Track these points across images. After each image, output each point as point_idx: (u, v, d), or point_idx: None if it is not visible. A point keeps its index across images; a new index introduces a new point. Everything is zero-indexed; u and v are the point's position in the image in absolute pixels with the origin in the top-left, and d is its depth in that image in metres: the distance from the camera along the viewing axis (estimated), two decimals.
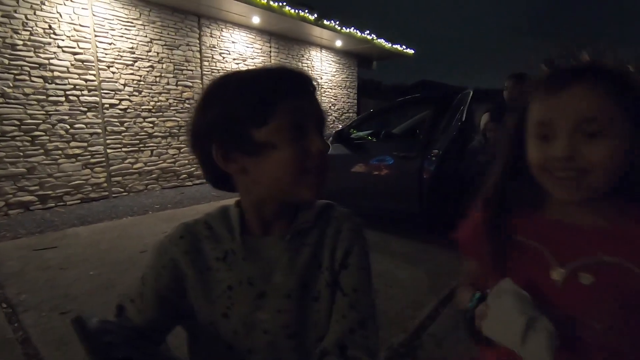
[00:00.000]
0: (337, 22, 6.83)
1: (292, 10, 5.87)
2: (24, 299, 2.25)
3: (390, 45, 8.45)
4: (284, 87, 0.51)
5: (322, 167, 0.53)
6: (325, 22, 6.54)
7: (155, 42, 5.28)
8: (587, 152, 0.50)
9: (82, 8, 4.51)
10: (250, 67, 0.70)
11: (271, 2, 5.51)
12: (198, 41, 5.81)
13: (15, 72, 4.07)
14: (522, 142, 0.58)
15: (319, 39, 7.56)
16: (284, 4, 5.70)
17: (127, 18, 4.94)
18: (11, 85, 4.06)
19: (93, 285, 2.47)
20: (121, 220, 4.02)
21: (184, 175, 5.90)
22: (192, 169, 5.93)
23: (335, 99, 8.91)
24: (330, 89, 8.69)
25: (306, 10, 6.08)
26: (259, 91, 0.50)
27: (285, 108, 0.50)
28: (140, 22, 5.08)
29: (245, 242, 0.56)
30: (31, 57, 4.17)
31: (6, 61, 4.00)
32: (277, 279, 0.55)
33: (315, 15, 6.29)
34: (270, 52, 7.02)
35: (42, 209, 4.40)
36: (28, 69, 4.16)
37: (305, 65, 7.87)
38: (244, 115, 0.50)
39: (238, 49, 6.42)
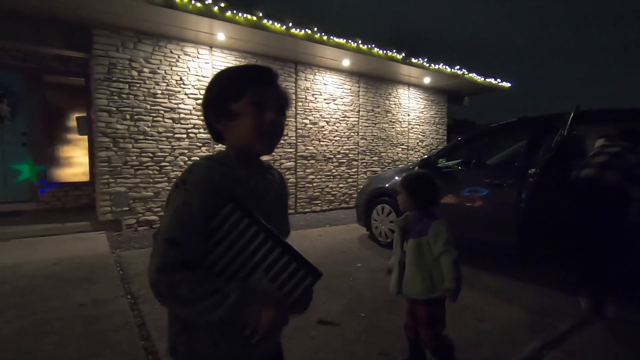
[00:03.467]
0: (425, 60, 6.92)
1: (381, 51, 6.18)
2: (143, 293, 2.66)
3: (483, 79, 8.15)
4: (252, 77, 0.79)
5: (274, 132, 0.80)
6: (412, 60, 6.69)
7: None
8: None
9: (205, 62, 5.49)
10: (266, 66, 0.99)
11: (360, 45, 5.90)
12: (294, 84, 6.48)
13: (153, 114, 5.08)
14: None
15: (406, 77, 7.72)
16: (373, 45, 6.05)
17: None
18: (150, 125, 5.05)
19: None
20: None
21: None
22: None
23: (424, 135, 8.79)
24: (418, 125, 8.64)
25: (394, 51, 6.33)
26: (236, 79, 0.80)
27: (251, 90, 0.77)
28: None
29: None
30: (166, 102, 5.17)
31: (148, 106, 5.03)
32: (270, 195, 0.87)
33: (403, 55, 6.50)
34: (359, 91, 7.40)
35: None
36: (163, 112, 5.15)
37: (393, 102, 8.04)
38: (227, 94, 0.79)
39: (329, 90, 6.93)
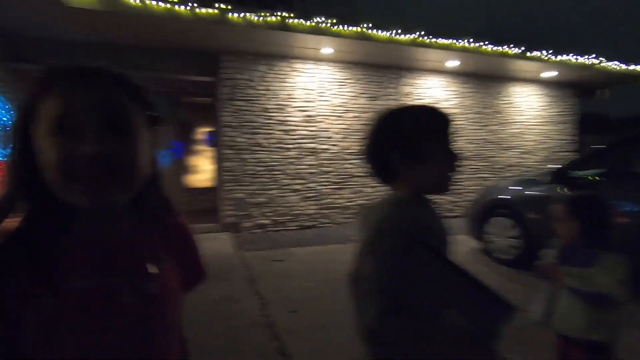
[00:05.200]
0: (551, 52, 6.11)
1: (489, 48, 5.69)
2: (269, 295, 2.94)
3: (621, 66, 6.83)
4: (437, 120, 0.85)
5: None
6: (528, 54, 5.98)
7: (361, 95, 6.15)
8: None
9: (311, 76, 5.80)
10: (443, 109, 0.87)
11: (467, 44, 5.53)
12: (395, 90, 6.39)
13: (267, 128, 5.58)
14: None
15: (520, 72, 6.93)
16: (482, 44, 5.61)
17: (341, 78, 6.00)
18: (264, 137, 5.56)
19: (308, 295, 2.97)
20: (327, 246, 4.68)
21: None
22: None
23: (545, 136, 7.76)
24: (537, 125, 7.66)
25: (506, 46, 5.76)
26: (425, 122, 0.84)
27: (439, 133, 0.84)
28: (351, 81, 6.06)
29: None
30: (277, 116, 5.63)
31: (263, 120, 5.55)
32: None
33: (517, 50, 5.86)
34: (464, 92, 6.92)
35: (273, 231, 5.64)
36: (274, 124, 5.62)
37: (504, 102, 7.30)
38: (417, 135, 0.82)
39: (431, 93, 6.64)
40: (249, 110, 5.47)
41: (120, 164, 0.49)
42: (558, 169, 3.35)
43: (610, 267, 1.27)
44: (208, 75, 5.44)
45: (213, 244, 4.73)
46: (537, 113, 7.67)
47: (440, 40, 5.37)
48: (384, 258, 0.73)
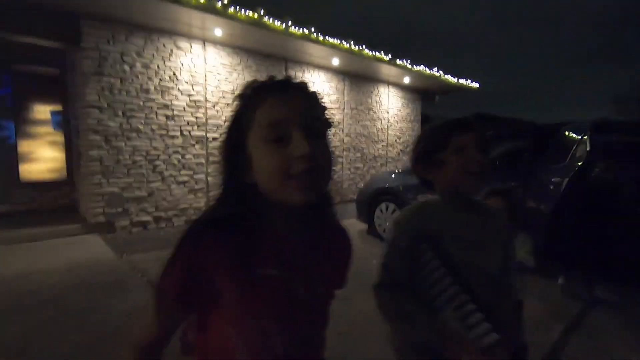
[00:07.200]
0: (408, 62, 7.23)
1: (370, 52, 6.38)
2: None
3: (456, 80, 8.68)
4: (453, 127, 0.91)
5: (479, 171, 0.87)
6: (397, 61, 6.97)
7: None
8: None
9: (198, 57, 5.32)
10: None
11: (352, 46, 6.05)
12: None
13: (146, 111, 4.86)
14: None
15: (387, 76, 8.00)
16: (363, 47, 6.22)
17: (231, 64, 5.70)
18: (143, 122, 4.84)
19: None
20: None
21: None
22: None
23: (401, 133, 9.19)
24: (396, 122, 9.01)
25: (382, 52, 6.56)
26: (439, 132, 0.93)
27: (453, 139, 0.90)
28: (240, 67, 5.82)
29: None
30: (159, 99, 4.97)
31: (141, 103, 4.81)
32: None
33: (390, 56, 6.74)
34: (344, 89, 7.56)
35: (156, 228, 5.02)
36: (156, 109, 4.95)
37: (374, 100, 8.30)
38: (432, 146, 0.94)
39: (316, 88, 7.00)
40: (124, 90, 4.65)
41: (322, 164, 0.55)
42: None
43: (522, 242, 1.70)
44: (58, 40, 4.34)
45: (81, 248, 3.91)
46: (396, 112, 9.02)
47: (330, 39, 5.69)
48: (389, 242, 0.91)
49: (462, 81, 8.92)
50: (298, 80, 0.59)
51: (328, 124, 0.61)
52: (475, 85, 9.38)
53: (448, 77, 8.35)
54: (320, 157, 0.54)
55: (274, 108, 0.54)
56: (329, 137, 0.61)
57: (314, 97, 0.59)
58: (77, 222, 4.70)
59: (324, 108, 0.61)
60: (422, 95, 9.79)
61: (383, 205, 4.51)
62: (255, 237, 0.58)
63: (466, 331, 0.78)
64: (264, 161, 0.54)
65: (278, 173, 0.53)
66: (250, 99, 0.57)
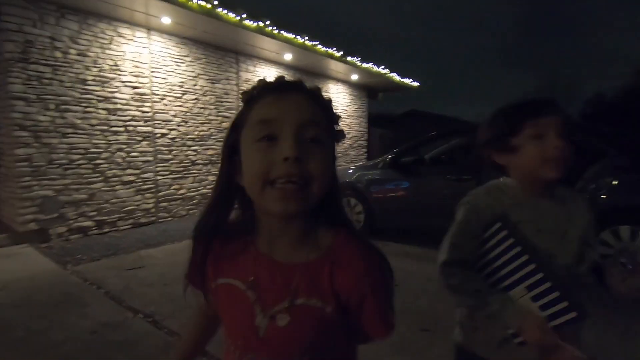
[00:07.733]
0: (359, 59, 7.43)
1: (322, 48, 6.42)
2: (153, 309, 2.46)
3: (399, 79, 9.12)
4: (529, 110, 0.86)
5: (560, 157, 0.81)
6: (349, 58, 7.11)
7: (200, 76, 5.68)
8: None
9: (142, 47, 4.90)
10: None
11: (306, 42, 6.04)
12: (236, 75, 6.25)
13: (84, 104, 4.36)
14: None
15: (336, 72, 8.13)
16: (317, 42, 6.25)
17: (179, 55, 5.35)
18: (80, 117, 4.33)
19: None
20: (181, 243, 4.22)
21: None
22: None
23: (350, 128, 9.43)
24: (345, 118, 9.22)
25: (334, 49, 6.64)
26: (514, 115, 0.88)
27: (529, 123, 0.85)
28: (189, 59, 5.49)
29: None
30: (98, 91, 4.48)
31: (78, 95, 4.30)
32: None
33: (341, 53, 6.86)
34: None
35: (99, 234, 4.56)
36: (95, 101, 4.46)
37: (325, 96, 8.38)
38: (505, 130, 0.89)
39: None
40: (56, 80, 4.11)
41: (312, 172, 0.49)
42: (391, 157, 4.27)
43: None
44: None
45: (13, 262, 3.41)
46: (345, 108, 9.22)
47: (284, 33, 5.61)
48: (459, 222, 0.92)
49: (405, 80, 9.41)
50: (310, 85, 0.56)
51: (334, 133, 0.57)
52: (416, 84, 9.95)
53: (393, 75, 8.74)
54: (310, 164, 0.49)
55: (267, 105, 0.51)
56: (333, 146, 0.56)
57: (319, 102, 0.55)
58: (1, 231, 4.08)
59: (334, 116, 0.57)
60: (368, 92, 10.13)
61: (344, 201, 4.61)
62: (230, 247, 0.58)
63: (540, 310, 0.79)
64: (248, 161, 0.51)
65: (259, 176, 0.49)
66: (253, 98, 0.54)
